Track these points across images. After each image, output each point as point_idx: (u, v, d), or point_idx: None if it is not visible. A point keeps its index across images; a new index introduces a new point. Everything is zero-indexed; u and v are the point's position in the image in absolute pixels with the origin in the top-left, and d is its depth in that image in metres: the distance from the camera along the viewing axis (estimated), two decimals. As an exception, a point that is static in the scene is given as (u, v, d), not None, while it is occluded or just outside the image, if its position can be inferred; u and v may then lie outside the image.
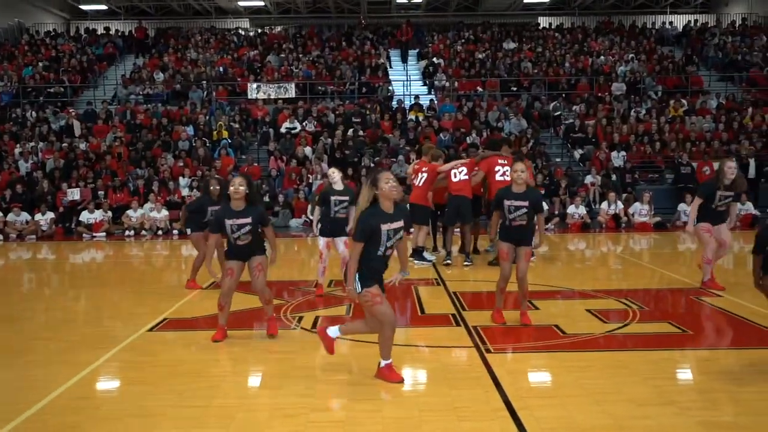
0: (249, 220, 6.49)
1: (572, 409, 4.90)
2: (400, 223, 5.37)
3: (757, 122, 21.80)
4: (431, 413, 4.86)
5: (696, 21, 30.97)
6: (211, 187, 9.15)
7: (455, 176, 11.13)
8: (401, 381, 5.42)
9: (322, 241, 8.72)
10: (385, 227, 5.27)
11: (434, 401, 5.08)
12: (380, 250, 5.31)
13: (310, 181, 19.23)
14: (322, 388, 5.37)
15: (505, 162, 11.12)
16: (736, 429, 4.55)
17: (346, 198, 8.52)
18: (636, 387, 5.36)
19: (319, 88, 24.59)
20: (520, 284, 7.09)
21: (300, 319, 7.65)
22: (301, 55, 26.66)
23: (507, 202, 6.98)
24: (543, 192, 17.09)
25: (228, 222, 6.50)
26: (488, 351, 6.28)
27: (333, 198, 8.49)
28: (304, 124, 21.94)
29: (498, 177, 11.03)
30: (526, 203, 6.95)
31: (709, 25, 30.22)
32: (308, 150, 20.48)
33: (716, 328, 7.40)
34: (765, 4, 30.80)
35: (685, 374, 5.68)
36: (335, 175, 8.63)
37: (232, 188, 6.52)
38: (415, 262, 11.21)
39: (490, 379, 5.49)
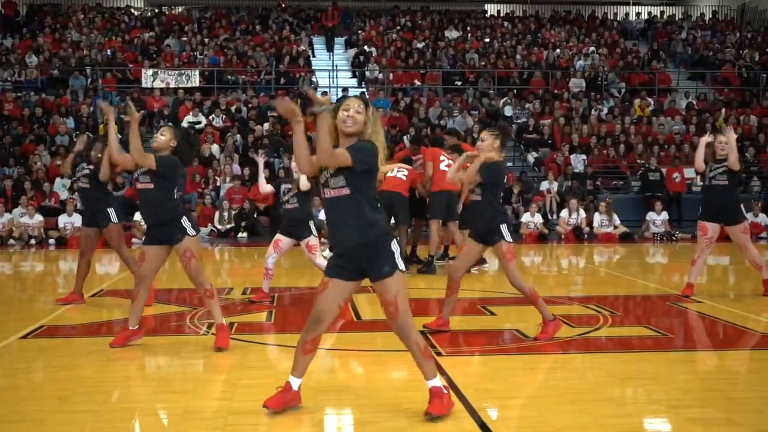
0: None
1: (543, 409, 4.88)
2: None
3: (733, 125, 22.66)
4: (379, 414, 4.79)
5: (662, 13, 32.13)
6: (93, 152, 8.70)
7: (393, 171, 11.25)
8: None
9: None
10: None
11: (380, 404, 5.00)
12: None
13: (218, 183, 18.95)
14: (242, 392, 5.20)
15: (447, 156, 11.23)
16: (731, 425, 4.59)
17: (290, 186, 8.39)
18: (614, 387, 5.42)
19: (229, 77, 24.38)
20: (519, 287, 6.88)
21: (210, 325, 7.44)
22: (206, 39, 26.41)
23: None
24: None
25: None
26: (439, 354, 6.23)
27: (283, 186, 8.56)
28: (210, 118, 21.67)
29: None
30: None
31: (676, 18, 31.40)
32: (215, 148, 20.22)
33: (698, 332, 7.63)
34: (736, -3, 32.27)
35: (667, 375, 5.74)
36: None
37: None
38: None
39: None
